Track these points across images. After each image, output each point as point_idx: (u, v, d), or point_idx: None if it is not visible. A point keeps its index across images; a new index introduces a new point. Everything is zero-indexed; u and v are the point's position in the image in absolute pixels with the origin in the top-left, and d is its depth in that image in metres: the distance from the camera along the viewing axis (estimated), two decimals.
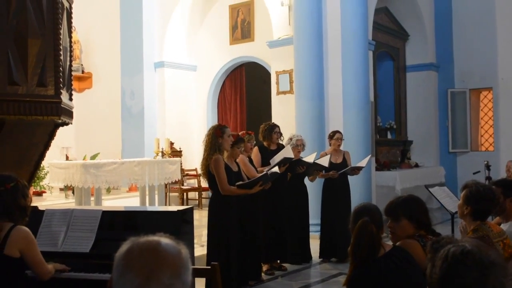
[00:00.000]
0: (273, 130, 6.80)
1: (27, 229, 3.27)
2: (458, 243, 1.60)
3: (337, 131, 7.49)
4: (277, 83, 9.94)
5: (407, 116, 12.74)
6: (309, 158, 6.89)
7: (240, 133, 6.20)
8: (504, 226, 3.75)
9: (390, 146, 12.12)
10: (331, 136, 7.46)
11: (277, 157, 6.35)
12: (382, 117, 12.00)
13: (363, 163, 7.34)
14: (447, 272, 1.54)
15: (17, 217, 3.26)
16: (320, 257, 7.22)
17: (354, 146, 8.47)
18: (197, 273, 3.15)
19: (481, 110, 13.03)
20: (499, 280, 1.51)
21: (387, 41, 11.92)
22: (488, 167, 8.37)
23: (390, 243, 3.09)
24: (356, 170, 7.27)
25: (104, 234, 3.74)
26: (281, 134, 6.93)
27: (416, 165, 12.04)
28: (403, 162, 11.96)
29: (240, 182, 5.46)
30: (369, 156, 7.90)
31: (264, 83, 11.53)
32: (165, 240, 1.50)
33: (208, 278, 3.02)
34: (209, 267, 2.90)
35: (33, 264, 3.25)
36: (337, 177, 7.12)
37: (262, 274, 6.43)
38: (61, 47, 4.20)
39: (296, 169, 6.72)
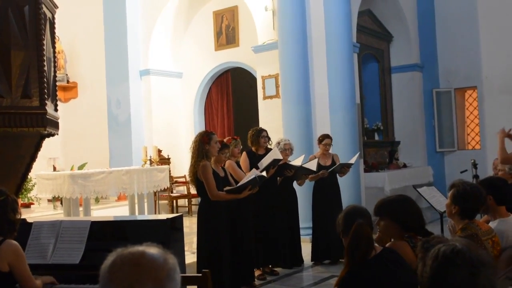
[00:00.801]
0: (260, 134, 6.79)
1: (16, 243, 3.25)
2: (448, 242, 1.61)
3: (327, 136, 7.50)
4: (263, 88, 9.95)
5: (393, 117, 12.81)
6: (297, 161, 6.90)
7: (225, 139, 6.19)
8: (492, 224, 3.77)
9: (378, 147, 12.17)
10: (320, 140, 7.48)
11: (265, 160, 6.34)
12: (369, 119, 12.06)
13: (352, 160, 7.38)
14: (438, 271, 1.55)
15: (5, 231, 3.24)
16: (312, 260, 7.23)
17: (342, 148, 8.50)
18: (188, 281, 3.14)
19: (467, 109, 13.14)
20: (489, 279, 1.52)
21: (371, 43, 11.99)
22: (475, 165, 8.42)
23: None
24: (346, 167, 7.29)
25: (94, 244, 3.72)
26: (269, 139, 6.93)
27: (404, 166, 12.10)
28: (391, 163, 12.01)
29: (229, 187, 5.45)
30: (358, 153, 7.93)
31: (251, 88, 11.54)
32: (150, 250, 1.48)
33: (199, 285, 3.01)
34: (200, 274, 2.89)
35: (21, 279, 3.23)
36: (327, 178, 7.14)
37: (254, 279, 6.43)
38: (44, 58, 4.18)
39: (284, 172, 6.73)
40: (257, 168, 6.23)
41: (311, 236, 7.46)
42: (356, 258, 2.81)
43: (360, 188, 9.31)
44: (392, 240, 3.24)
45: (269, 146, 6.93)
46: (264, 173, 6.01)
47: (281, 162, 6.53)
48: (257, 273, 6.55)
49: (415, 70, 12.71)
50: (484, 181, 4.11)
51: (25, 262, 3.26)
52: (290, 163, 6.85)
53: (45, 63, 4.18)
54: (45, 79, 4.16)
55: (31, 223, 3.92)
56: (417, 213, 3.23)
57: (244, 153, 6.64)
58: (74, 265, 3.66)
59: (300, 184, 7.28)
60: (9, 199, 3.30)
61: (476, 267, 1.52)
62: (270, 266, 6.79)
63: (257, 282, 6.36)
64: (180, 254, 4.00)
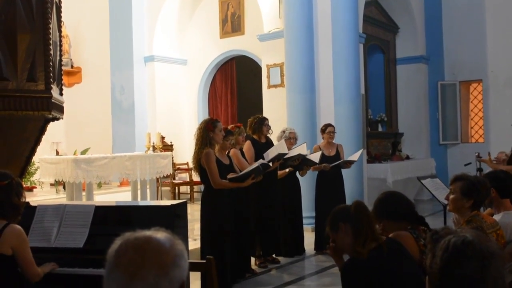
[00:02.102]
0: (263, 123, 6.78)
1: (20, 228, 3.25)
2: (458, 233, 1.60)
3: (329, 125, 7.50)
4: (268, 76, 9.93)
5: (397, 108, 12.78)
6: (300, 148, 6.87)
7: (229, 127, 6.18)
8: (496, 217, 3.77)
9: (381, 139, 12.16)
10: (323, 130, 7.47)
11: (271, 152, 6.32)
12: (373, 110, 12.03)
13: (354, 157, 7.35)
14: (448, 262, 1.54)
15: (9, 215, 3.24)
16: (315, 249, 7.24)
17: (345, 138, 8.48)
18: (192, 267, 3.14)
19: (471, 102, 13.10)
20: (499, 271, 1.51)
21: (377, 34, 11.93)
22: (479, 158, 8.42)
23: None
24: (348, 163, 7.29)
25: (98, 229, 3.72)
26: (270, 127, 6.92)
27: (407, 157, 12.09)
28: (394, 155, 12.00)
29: (232, 176, 5.44)
30: (361, 150, 7.92)
31: (255, 77, 11.50)
32: (157, 235, 1.47)
33: (203, 272, 3.02)
34: (204, 261, 2.89)
35: (23, 263, 3.23)
36: (330, 170, 7.13)
37: (256, 267, 6.45)
38: (50, 42, 4.15)
39: (290, 163, 6.71)
40: (263, 158, 6.23)
41: (313, 225, 7.46)
42: (364, 234, 2.84)
43: (363, 179, 9.31)
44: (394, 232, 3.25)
45: (268, 135, 6.91)
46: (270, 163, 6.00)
47: (287, 154, 6.51)
48: (258, 261, 6.57)
49: (420, 62, 12.67)
50: (489, 174, 4.12)
51: (28, 247, 3.26)
52: (293, 149, 6.82)
53: (51, 47, 4.15)
54: (50, 63, 4.14)
55: (34, 207, 3.92)
56: (399, 202, 3.27)
57: (248, 141, 6.63)
58: (77, 249, 3.67)
59: (302, 175, 7.27)
60: (13, 182, 3.29)
61: (486, 258, 1.52)
62: (273, 255, 6.81)
63: (258, 270, 6.39)
64: (183, 240, 4.01)
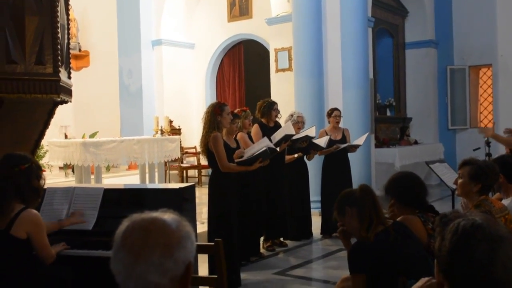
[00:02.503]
0: (272, 107, 6.77)
1: (37, 212, 3.28)
2: (467, 217, 1.60)
3: (335, 109, 7.47)
4: (276, 60, 9.88)
5: (406, 93, 12.71)
6: (308, 131, 6.86)
7: (236, 111, 6.17)
8: (505, 202, 3.76)
9: (390, 123, 12.11)
10: (329, 114, 7.45)
11: (278, 134, 6.32)
12: (381, 94, 11.97)
13: (360, 141, 7.33)
14: (457, 245, 1.54)
15: (29, 198, 3.27)
16: (321, 233, 7.27)
17: (353, 123, 8.46)
18: (201, 249, 3.16)
19: (480, 87, 13.00)
20: (508, 254, 1.51)
21: (386, 17, 11.83)
22: (488, 143, 8.35)
23: None
24: (353, 147, 7.27)
25: (107, 211, 3.75)
26: (279, 112, 6.91)
27: (415, 142, 12.05)
28: (402, 139, 11.96)
29: (240, 159, 5.45)
30: (367, 134, 7.89)
31: (263, 61, 11.46)
32: (164, 216, 1.48)
33: (211, 254, 3.03)
34: (213, 243, 2.91)
35: (39, 247, 3.27)
36: (338, 153, 7.11)
37: (263, 250, 6.48)
38: (58, 25, 4.15)
39: (298, 145, 6.70)
40: (270, 139, 6.22)
41: (320, 209, 7.48)
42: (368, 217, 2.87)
43: (371, 163, 9.29)
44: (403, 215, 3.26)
45: (277, 119, 6.90)
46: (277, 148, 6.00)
47: (294, 135, 6.50)
48: (266, 244, 6.60)
49: (429, 47, 12.56)
50: (497, 159, 4.10)
51: (44, 231, 3.30)
52: (301, 132, 6.81)
53: (59, 30, 4.15)
54: (58, 46, 4.13)
55: (44, 189, 3.94)
56: (411, 188, 3.26)
57: (256, 125, 6.63)
58: (87, 231, 3.70)
59: (309, 159, 7.26)
60: (33, 166, 3.32)
61: (496, 241, 1.51)
62: (280, 238, 6.84)
63: (266, 253, 6.42)
64: (191, 223, 4.03)
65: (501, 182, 3.81)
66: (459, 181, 3.52)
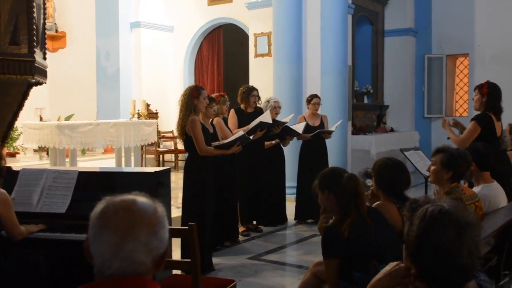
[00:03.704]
0: (250, 93, 6.76)
1: (3, 191, 3.25)
2: (436, 203, 1.63)
3: (315, 95, 7.49)
4: (255, 45, 9.85)
5: (384, 81, 12.79)
6: (286, 120, 6.89)
7: (213, 95, 6.15)
8: (476, 189, 3.83)
9: (367, 111, 12.19)
10: (308, 100, 7.47)
11: (253, 122, 6.31)
12: (359, 82, 12.03)
13: (332, 127, 7.37)
14: (425, 230, 1.57)
15: None
16: (295, 219, 7.32)
17: (331, 109, 8.50)
18: (174, 233, 3.17)
19: (457, 76, 13.15)
20: (474, 240, 1.55)
21: (366, 5, 11.85)
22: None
23: None
24: (327, 133, 7.29)
25: (80, 194, 3.72)
26: (259, 98, 6.90)
27: (392, 130, 12.16)
28: (378, 127, 12.05)
29: (218, 143, 5.44)
30: (340, 121, 7.91)
31: (242, 45, 11.41)
32: (140, 198, 1.51)
33: (185, 238, 3.04)
34: (187, 227, 2.91)
35: (7, 225, 3.25)
36: (315, 139, 7.13)
37: (238, 235, 6.51)
38: (34, 4, 4.07)
39: (272, 129, 6.69)
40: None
41: (296, 195, 7.52)
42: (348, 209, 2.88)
43: (347, 150, 9.36)
44: (379, 201, 3.30)
45: (258, 105, 6.90)
46: (250, 137, 5.98)
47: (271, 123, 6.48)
48: (241, 229, 6.64)
49: (408, 35, 12.64)
50: (470, 148, 4.17)
51: (12, 209, 3.27)
52: (281, 120, 6.82)
53: (34, 10, 4.07)
54: (34, 26, 4.05)
55: (17, 171, 3.90)
56: (395, 179, 3.28)
57: (232, 110, 6.63)
58: (60, 214, 3.67)
59: (284, 145, 7.26)
60: None
61: (462, 227, 1.55)
62: (254, 222, 6.87)
63: (241, 238, 6.45)
64: (166, 208, 4.02)
65: (472, 170, 3.88)
66: (432, 168, 3.58)
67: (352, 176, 2.98)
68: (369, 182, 3.46)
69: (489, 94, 5.10)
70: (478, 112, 5.28)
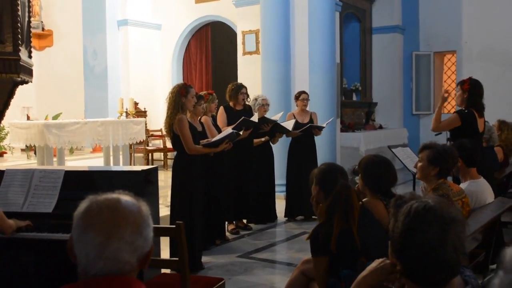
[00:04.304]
0: (239, 90, 6.75)
1: None
2: (421, 199, 1.63)
3: (303, 92, 7.50)
4: (243, 43, 9.84)
5: (372, 78, 12.83)
6: (275, 117, 6.89)
7: (202, 93, 6.13)
8: (463, 185, 3.85)
9: (355, 108, 12.23)
10: (297, 97, 7.48)
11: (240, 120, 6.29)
12: (347, 79, 12.06)
13: (324, 123, 7.38)
14: (409, 227, 1.58)
15: None
16: (285, 216, 7.32)
17: (319, 107, 8.51)
18: (162, 232, 3.16)
19: (445, 73, 13.22)
20: (458, 236, 1.55)
21: (353, 2, 11.88)
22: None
23: None
24: (317, 129, 7.29)
25: (67, 194, 3.68)
26: (247, 96, 6.89)
27: (380, 127, 12.21)
28: (367, 124, 12.10)
29: (206, 141, 5.43)
30: (331, 118, 7.93)
31: (230, 43, 11.40)
32: (124, 197, 1.50)
33: (173, 237, 3.03)
34: (174, 226, 2.90)
35: None
36: (304, 137, 7.13)
37: (228, 233, 6.50)
38: (18, 2, 4.03)
39: (261, 126, 6.68)
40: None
41: (285, 193, 7.52)
42: (336, 213, 2.87)
43: (336, 147, 9.39)
44: (367, 198, 3.31)
45: (247, 103, 6.89)
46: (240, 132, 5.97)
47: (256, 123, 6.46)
48: (230, 227, 6.63)
49: (396, 32, 12.69)
50: (456, 144, 4.19)
51: None
52: (271, 118, 6.82)
53: (19, 7, 4.03)
54: (19, 24, 4.01)
55: (3, 171, 3.86)
56: (384, 176, 3.28)
57: (221, 107, 6.62)
58: (46, 214, 3.64)
59: (273, 142, 7.26)
60: None
61: (447, 223, 1.55)
62: (244, 221, 6.87)
63: (230, 236, 6.44)
64: (154, 206, 4.00)
65: (459, 166, 3.90)
66: (419, 164, 3.60)
67: (345, 186, 2.92)
68: (358, 180, 3.46)
69: (470, 90, 5.12)
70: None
